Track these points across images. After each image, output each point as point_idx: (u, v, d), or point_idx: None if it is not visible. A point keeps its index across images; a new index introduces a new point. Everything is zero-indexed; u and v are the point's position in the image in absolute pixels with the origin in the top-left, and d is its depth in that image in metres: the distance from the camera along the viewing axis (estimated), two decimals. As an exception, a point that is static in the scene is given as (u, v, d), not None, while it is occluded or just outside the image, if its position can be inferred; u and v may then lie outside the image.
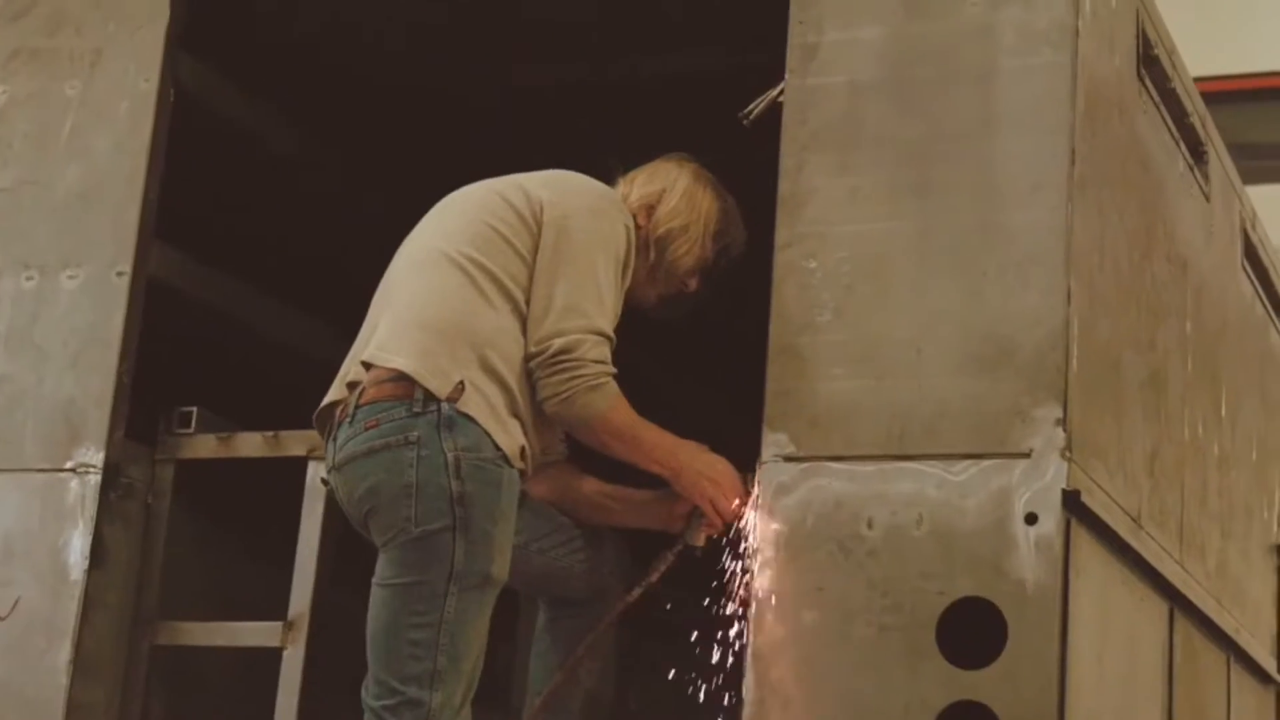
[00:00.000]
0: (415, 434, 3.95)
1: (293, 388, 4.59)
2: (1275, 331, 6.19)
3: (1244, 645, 5.42)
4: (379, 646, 3.95)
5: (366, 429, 3.99)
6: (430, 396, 3.97)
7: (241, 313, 5.39)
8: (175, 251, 5.02)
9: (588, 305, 4.11)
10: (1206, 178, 5.25)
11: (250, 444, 4.90)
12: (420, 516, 3.93)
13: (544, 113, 5.54)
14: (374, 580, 3.99)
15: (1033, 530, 3.88)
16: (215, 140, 5.25)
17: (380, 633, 3.95)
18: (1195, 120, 5.09)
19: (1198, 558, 5.01)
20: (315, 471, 4.68)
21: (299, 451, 4.77)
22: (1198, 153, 5.17)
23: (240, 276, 5.38)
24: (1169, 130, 4.90)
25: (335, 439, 4.08)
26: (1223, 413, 5.37)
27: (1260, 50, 11.92)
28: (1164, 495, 4.70)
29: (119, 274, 4.79)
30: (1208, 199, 5.27)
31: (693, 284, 4.48)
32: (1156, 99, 4.76)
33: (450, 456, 3.94)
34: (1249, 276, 5.81)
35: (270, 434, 4.87)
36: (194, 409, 4.95)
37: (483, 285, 4.10)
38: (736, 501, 4.25)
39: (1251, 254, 5.82)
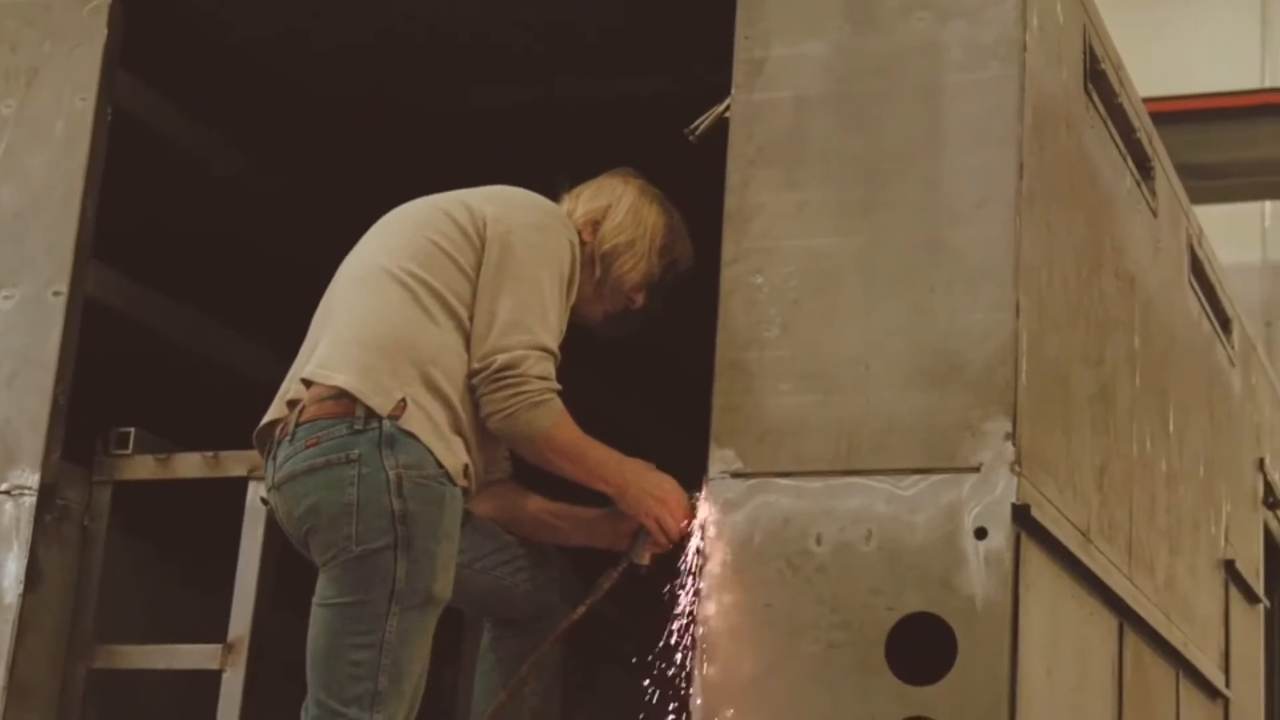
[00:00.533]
0: (356, 452, 3.89)
1: (232, 409, 4.52)
2: (1221, 348, 6.18)
3: (1192, 660, 5.40)
4: (319, 667, 3.89)
5: (307, 447, 3.93)
6: (371, 414, 3.92)
7: (180, 334, 5.30)
8: (112, 272, 4.94)
9: (531, 321, 4.06)
10: (1154, 193, 5.23)
11: (189, 465, 4.82)
12: (361, 535, 3.87)
13: (491, 134, 5.49)
14: (314, 600, 3.93)
15: (982, 545, 3.85)
16: (154, 159, 5.18)
17: (320, 653, 3.89)
18: (1142, 136, 5.08)
19: (1146, 573, 4.98)
20: (256, 492, 4.61)
21: (239, 472, 4.71)
22: (1145, 168, 5.16)
23: (179, 297, 5.30)
24: (1116, 145, 4.88)
25: (275, 457, 4.02)
26: (1170, 428, 5.35)
27: (1201, 71, 11.97)
28: (1113, 510, 4.67)
29: (55, 294, 4.71)
30: (1155, 214, 5.26)
31: (639, 300, 4.44)
32: (1104, 114, 4.74)
33: (392, 474, 3.88)
34: (1196, 293, 5.80)
35: (210, 454, 4.79)
36: (131, 430, 4.86)
37: (425, 301, 4.05)
38: (683, 520, 4.21)
39: (1198, 270, 5.81)
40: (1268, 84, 12.29)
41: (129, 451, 4.84)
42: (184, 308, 5.31)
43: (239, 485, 4.71)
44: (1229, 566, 6.07)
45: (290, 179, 5.66)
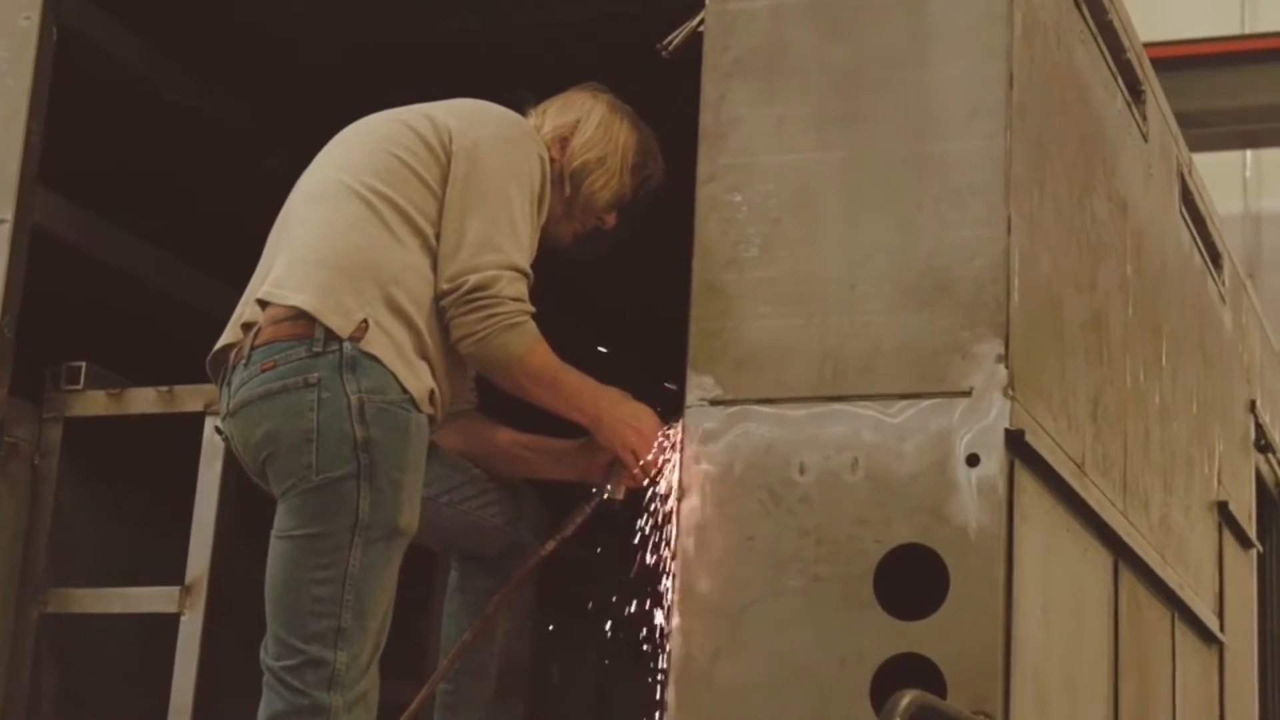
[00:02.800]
0: (315, 375, 3.70)
1: (187, 344, 4.33)
2: (1212, 283, 6.00)
3: (1189, 602, 5.23)
4: (279, 603, 3.70)
5: (263, 371, 3.73)
6: (331, 336, 3.72)
7: (133, 265, 5.12)
8: (62, 199, 4.76)
9: (502, 240, 3.87)
10: (1145, 117, 5.04)
11: (143, 400, 4.67)
12: (321, 463, 3.67)
13: (459, 62, 5.28)
14: (273, 533, 3.74)
15: (974, 472, 3.66)
16: (105, 84, 5.00)
17: (280, 588, 3.70)
18: (1133, 57, 4.89)
19: (1141, 510, 4.80)
20: (213, 426, 4.42)
21: (195, 407, 4.56)
22: (1135, 91, 4.97)
23: (133, 228, 5.11)
24: (1107, 64, 4.69)
25: (230, 384, 3.83)
26: (1163, 362, 5.17)
27: (1181, 17, 11.80)
28: (1107, 443, 4.49)
29: (0, 221, 4.53)
30: (1146, 139, 5.07)
31: (610, 220, 4.27)
32: (1094, 30, 4.55)
33: (353, 399, 3.69)
34: (1187, 224, 5.61)
35: (164, 389, 4.65)
36: (83, 364, 4.71)
37: (388, 219, 3.85)
38: (659, 452, 4.02)
39: (1189, 201, 5.62)
40: (1248, 30, 12.11)
41: (80, 387, 4.71)
42: (138, 240, 5.13)
43: (195, 422, 4.54)
44: (1222, 509, 5.90)
45: (248, 109, 5.44)
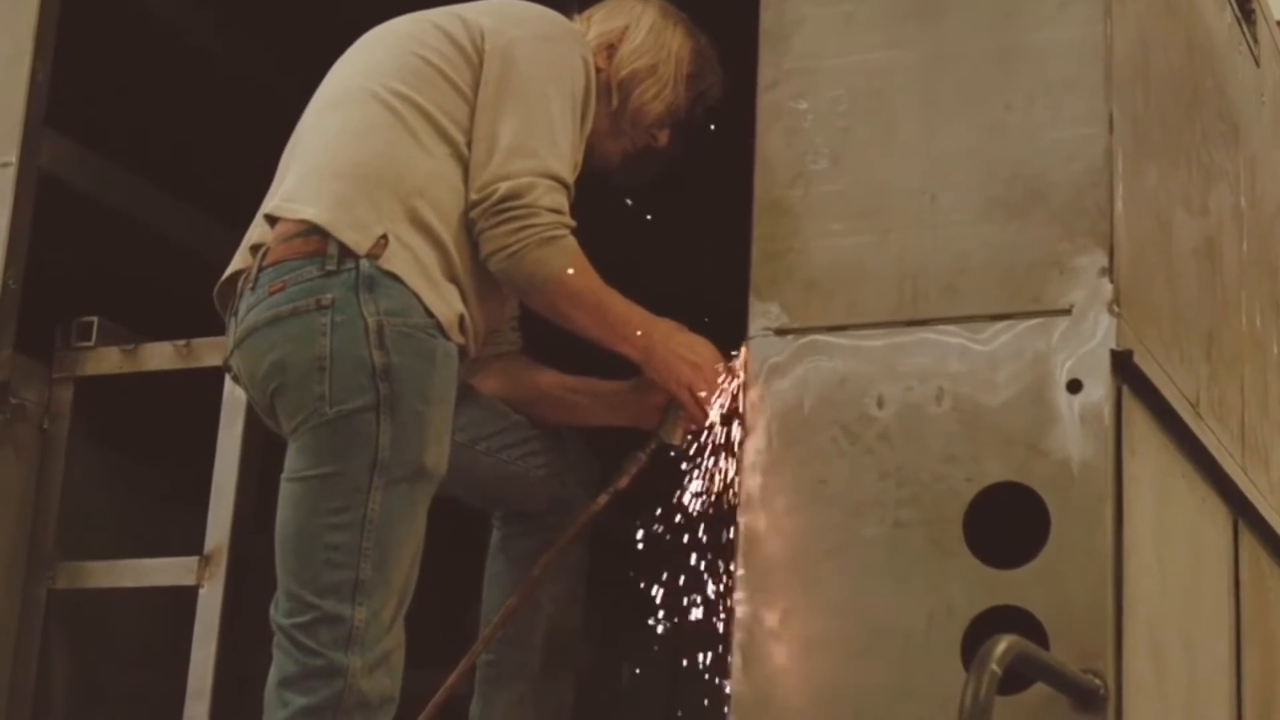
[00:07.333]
0: (329, 296, 3.33)
1: (205, 301, 4.00)
2: (1332, 236, 5.55)
3: (1314, 576, 4.76)
4: (290, 554, 3.32)
5: (271, 293, 3.37)
6: (346, 252, 3.36)
7: (150, 215, 4.82)
8: (71, 143, 4.50)
9: (538, 145, 3.50)
10: (1255, 40, 4.62)
11: (160, 355, 4.40)
12: (335, 394, 3.30)
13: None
14: (283, 476, 3.37)
15: (1077, 400, 3.27)
16: (117, 22, 4.69)
17: (291, 537, 3.32)
18: (1241, -33, 4.48)
19: (1261, 467, 4.36)
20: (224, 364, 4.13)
21: (215, 361, 4.19)
22: (1246, 10, 4.55)
23: (147, 174, 4.83)
24: (1212, -32, 4.28)
25: (237, 313, 3.47)
26: (1282, 309, 4.73)
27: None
28: (1223, 387, 4.06)
29: (3, 165, 4.30)
30: (1258, 63, 4.64)
31: (662, 138, 3.91)
32: (1198, -69, 4.15)
33: (371, 322, 3.32)
34: (1303, 166, 5.17)
35: (182, 343, 4.36)
36: (94, 319, 4.45)
37: (413, 124, 3.49)
38: (721, 390, 3.62)
39: (1305, 143, 5.17)
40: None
41: (92, 343, 4.45)
42: (154, 187, 4.83)
43: (215, 378, 4.21)
44: (1347, 480, 5.42)
45: (271, 51, 5.11)
